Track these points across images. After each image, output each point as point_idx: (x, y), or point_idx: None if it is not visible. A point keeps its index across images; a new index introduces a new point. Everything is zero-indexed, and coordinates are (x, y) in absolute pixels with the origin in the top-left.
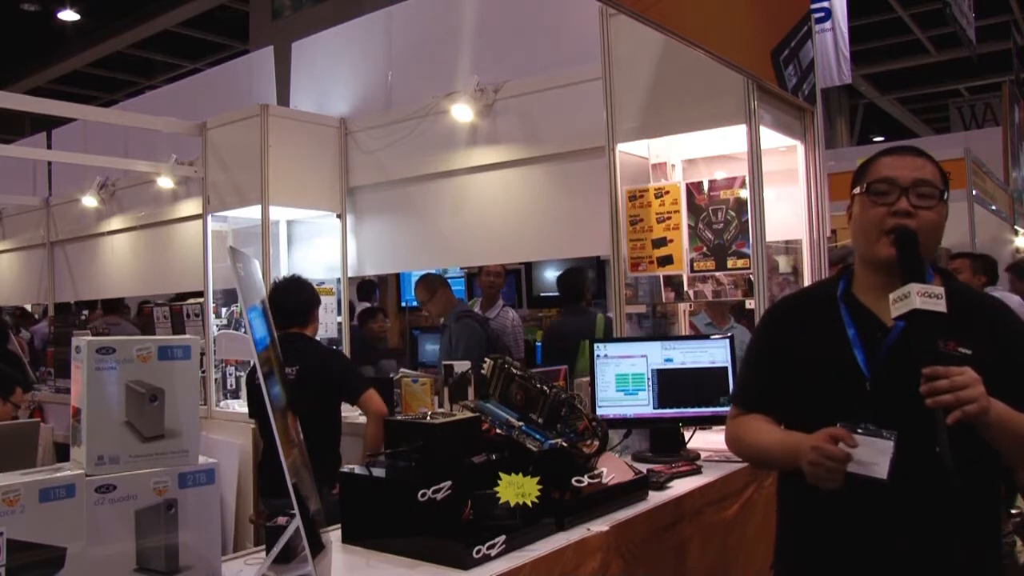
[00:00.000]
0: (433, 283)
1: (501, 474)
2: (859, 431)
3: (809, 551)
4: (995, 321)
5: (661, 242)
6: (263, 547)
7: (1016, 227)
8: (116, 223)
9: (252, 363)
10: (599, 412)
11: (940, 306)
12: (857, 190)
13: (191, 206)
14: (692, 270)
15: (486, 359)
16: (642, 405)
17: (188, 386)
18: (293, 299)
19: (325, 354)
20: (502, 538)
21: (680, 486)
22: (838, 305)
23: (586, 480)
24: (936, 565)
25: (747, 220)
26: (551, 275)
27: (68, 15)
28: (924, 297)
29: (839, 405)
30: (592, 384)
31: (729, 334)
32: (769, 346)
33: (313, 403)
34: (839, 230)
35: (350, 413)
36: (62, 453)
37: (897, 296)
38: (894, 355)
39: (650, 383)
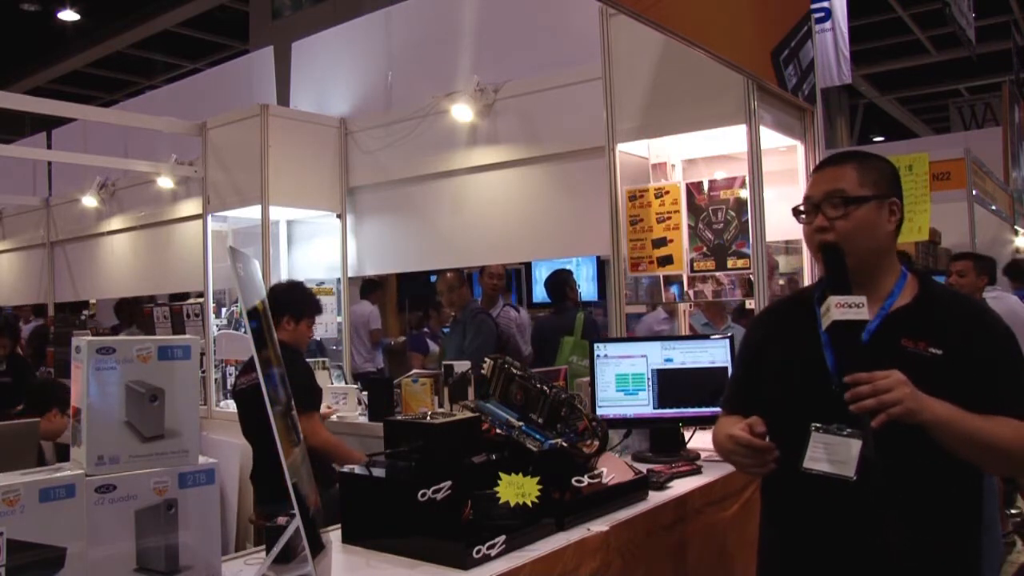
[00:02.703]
0: (459, 279)
1: (501, 474)
2: (830, 432)
3: (785, 549)
4: (971, 322)
5: (661, 242)
6: (263, 547)
7: (1016, 227)
8: (116, 223)
9: (235, 383)
10: (599, 412)
11: (861, 314)
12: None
13: (191, 206)
14: (692, 270)
15: (486, 359)
16: (642, 405)
17: (188, 386)
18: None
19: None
20: (502, 538)
21: (680, 486)
22: (814, 309)
23: (586, 480)
24: (901, 561)
25: (747, 220)
26: None
27: (68, 15)
28: (843, 308)
29: (810, 406)
30: (592, 384)
31: (729, 334)
32: (750, 350)
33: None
34: None
35: (349, 413)
36: (62, 453)
37: (823, 310)
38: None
39: (650, 383)
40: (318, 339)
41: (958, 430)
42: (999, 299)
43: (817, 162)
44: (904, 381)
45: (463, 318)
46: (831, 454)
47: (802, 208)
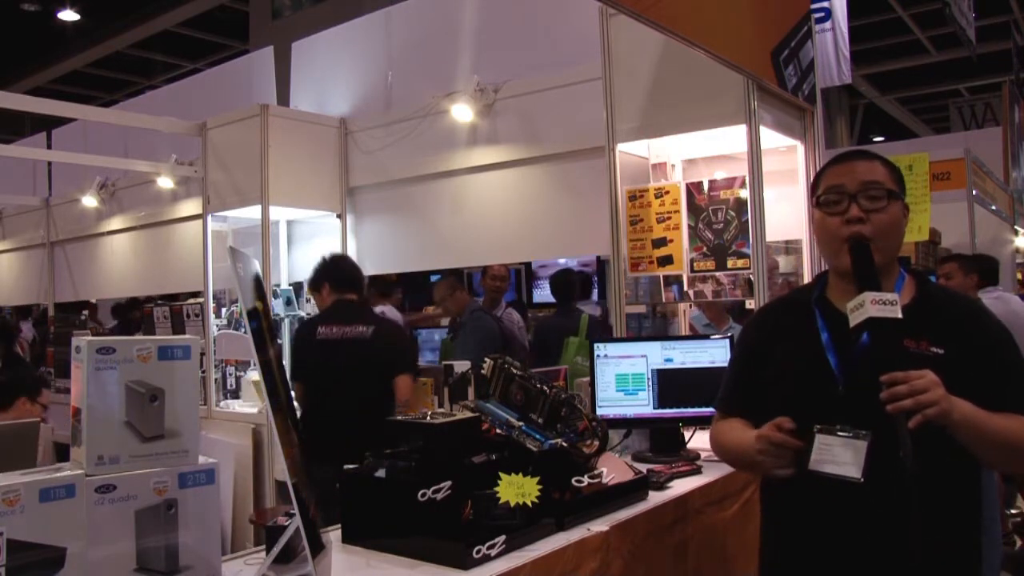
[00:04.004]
0: (452, 284)
1: (501, 474)
2: (835, 433)
3: (788, 551)
4: (968, 321)
5: (661, 242)
6: (263, 547)
7: (1016, 227)
8: (116, 223)
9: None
10: (599, 412)
11: (895, 312)
12: (813, 203)
13: (191, 206)
14: (692, 270)
15: (486, 359)
16: (642, 405)
17: (188, 386)
18: (353, 268)
19: (391, 323)
20: (502, 538)
21: (680, 486)
22: (813, 310)
23: (586, 480)
24: (907, 563)
25: (747, 220)
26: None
27: (68, 15)
28: (878, 305)
29: (813, 408)
30: (592, 384)
31: (729, 334)
32: (748, 351)
33: (387, 364)
34: None
35: None
36: (62, 453)
37: (853, 306)
38: (866, 359)
39: (650, 383)
40: None
41: (982, 429)
42: (1000, 300)
43: (817, 162)
44: (938, 382)
45: (463, 319)
46: (837, 456)
47: (831, 198)
